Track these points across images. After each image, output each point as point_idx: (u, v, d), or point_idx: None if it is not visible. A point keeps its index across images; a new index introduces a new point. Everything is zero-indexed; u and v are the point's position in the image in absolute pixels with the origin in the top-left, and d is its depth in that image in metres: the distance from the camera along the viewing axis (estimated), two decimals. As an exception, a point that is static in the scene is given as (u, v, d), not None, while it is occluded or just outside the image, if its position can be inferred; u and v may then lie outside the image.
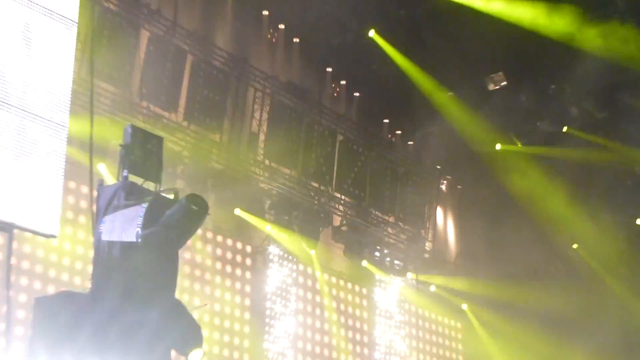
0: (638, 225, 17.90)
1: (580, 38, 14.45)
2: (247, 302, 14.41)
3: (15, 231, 8.68)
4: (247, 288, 14.48)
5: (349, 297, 16.21)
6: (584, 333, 16.00)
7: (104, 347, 7.77)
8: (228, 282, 14.16)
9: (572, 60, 14.88)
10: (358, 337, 16.11)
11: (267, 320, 14.56)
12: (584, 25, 14.48)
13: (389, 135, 17.26)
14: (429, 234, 17.91)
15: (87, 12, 9.64)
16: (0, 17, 8.40)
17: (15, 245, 9.86)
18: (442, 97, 16.19)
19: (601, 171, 17.04)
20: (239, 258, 14.48)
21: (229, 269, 14.25)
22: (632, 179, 17.57)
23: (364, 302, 16.45)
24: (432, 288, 17.36)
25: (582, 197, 16.81)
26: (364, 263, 16.32)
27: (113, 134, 10.01)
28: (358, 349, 15.99)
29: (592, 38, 14.47)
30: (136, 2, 12.92)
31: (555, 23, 14.33)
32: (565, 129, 16.98)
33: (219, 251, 14.12)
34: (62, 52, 8.95)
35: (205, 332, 9.65)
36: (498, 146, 17.25)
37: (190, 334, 8.78)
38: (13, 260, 10.29)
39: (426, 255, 17.56)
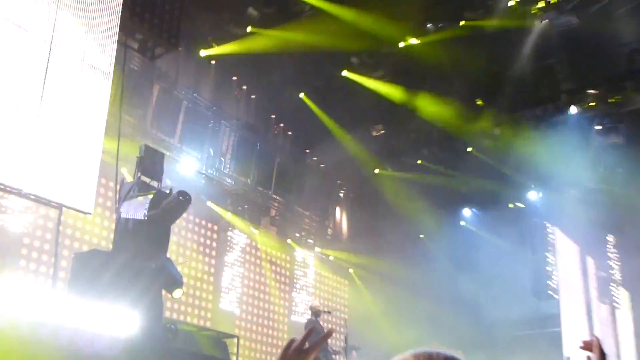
0: (461, 225, 18.24)
1: (416, 105, 14.99)
2: (213, 262, 14.47)
3: (63, 208, 8.69)
4: (213, 253, 14.53)
5: (278, 261, 16.32)
6: (424, 292, 16.14)
7: (119, 286, 7.81)
8: (201, 249, 14.21)
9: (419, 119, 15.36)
10: (283, 286, 16.27)
11: (224, 273, 14.65)
12: (415, 97, 15.00)
13: (309, 160, 17.32)
14: (330, 223, 18.09)
15: (119, 70, 9.69)
16: (63, 69, 8.44)
17: (62, 217, 9.77)
18: (344, 137, 16.35)
19: (440, 189, 17.30)
20: (209, 233, 14.52)
21: (202, 240, 14.30)
22: (458, 195, 17.99)
23: (288, 265, 16.59)
24: (331, 258, 17.52)
25: (428, 205, 17.06)
26: (289, 241, 16.49)
27: (132, 150, 10.04)
28: (282, 294, 16.13)
29: (423, 105, 14.99)
30: (152, 66, 12.90)
31: (397, 94, 14.85)
32: (419, 161, 17.35)
33: (196, 228, 14.15)
34: (101, 94, 8.99)
35: (184, 280, 9.69)
36: (376, 171, 17.53)
37: (175, 279, 8.88)
38: (61, 228, 10.19)
39: (327, 237, 17.72)
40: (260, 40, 13.42)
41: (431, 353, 1.21)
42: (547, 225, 18.57)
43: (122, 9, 9.37)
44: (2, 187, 7.93)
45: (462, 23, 13.60)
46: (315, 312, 11.20)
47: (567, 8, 12.33)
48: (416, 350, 1.23)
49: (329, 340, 11.12)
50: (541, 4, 12.44)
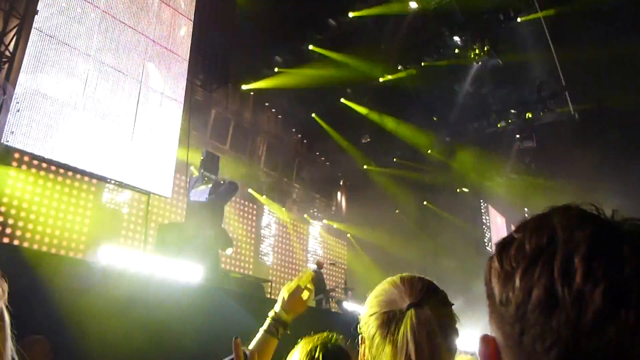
0: (424, 204, 18.18)
1: (391, 120, 14.86)
2: (253, 230, 14.52)
3: (151, 194, 8.77)
4: (253, 224, 14.58)
5: (298, 229, 16.31)
6: (400, 250, 15.99)
7: (189, 247, 7.84)
8: (245, 221, 14.28)
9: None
10: (301, 246, 16.21)
11: (261, 240, 14.71)
12: (389, 116, 14.89)
13: (319, 160, 17.31)
14: (334, 203, 18.09)
15: (187, 99, 9.77)
16: (149, 100, 8.52)
17: (150, 201, 9.88)
18: (343, 143, 16.37)
19: (409, 178, 17.26)
20: (250, 210, 14.54)
21: (246, 215, 14.37)
22: (422, 183, 17.91)
23: (304, 232, 16.59)
24: (334, 226, 17.49)
25: (401, 190, 17.04)
26: (305, 215, 16.49)
27: (197, 154, 10.12)
28: (301, 251, 16.12)
29: (395, 121, 14.93)
30: (210, 97, 13.00)
31: (377, 115, 14.93)
32: (395, 159, 17.33)
33: (241, 207, 14.21)
34: (176, 117, 9.07)
35: (233, 242, 9.76)
36: (365, 166, 17.51)
37: (227, 241, 8.95)
38: (149, 208, 10.29)
39: (332, 212, 17.71)
40: (284, 77, 13.49)
41: (414, 276, 1.11)
42: (482, 203, 18.62)
43: (190, 58, 9.46)
44: (111, 180, 8.08)
45: (423, 64, 13.58)
46: (319, 265, 11.19)
47: (494, 54, 12.28)
48: (403, 274, 1.13)
49: (330, 284, 11.13)
50: (477, 51, 12.38)
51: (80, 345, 4.68)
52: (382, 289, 1.10)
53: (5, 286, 0.79)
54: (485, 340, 0.55)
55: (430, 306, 1.01)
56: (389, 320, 1.00)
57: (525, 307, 0.49)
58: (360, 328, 1.09)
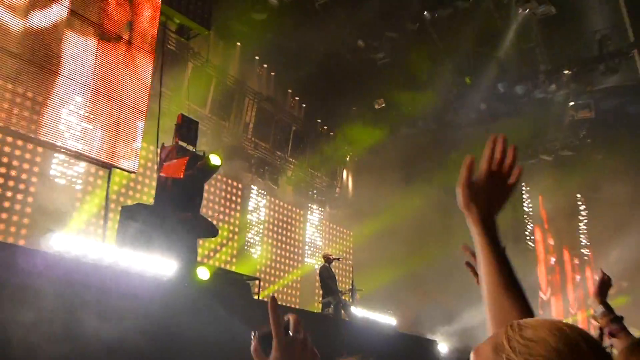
0: (447, 187, 18.05)
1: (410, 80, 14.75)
2: (238, 214, 14.58)
3: (112, 169, 8.75)
4: (238, 207, 14.63)
5: (294, 215, 16.38)
6: (420, 248, 16.00)
7: (161, 234, 7.84)
8: (228, 203, 14.33)
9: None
10: (297, 236, 16.28)
11: (248, 223, 14.75)
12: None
13: (320, 129, 17.23)
14: (338, 183, 18.02)
15: (159, 49, 9.68)
16: (112, 50, 8.45)
17: (112, 176, 9.83)
18: (354, 110, 16.24)
19: (430, 154, 17.15)
20: (234, 190, 14.59)
21: (229, 196, 14.41)
22: (445, 162, 17.77)
23: (301, 218, 16.64)
24: (337, 212, 17.48)
25: (420, 166, 16.90)
26: (302, 198, 16.50)
27: (171, 119, 10.01)
28: (297, 242, 16.17)
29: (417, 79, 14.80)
30: (186, 47, 12.85)
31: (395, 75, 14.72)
32: (416, 130, 17.12)
33: (224, 186, 14.23)
34: (143, 71, 9.01)
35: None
36: (378, 138, 17.34)
37: (209, 228, 8.93)
38: (110, 184, 10.25)
39: (336, 195, 17.70)
40: (279, 25, 13.30)
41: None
42: (524, 186, 18.66)
43: (162, -3, 9.35)
44: (64, 150, 8.03)
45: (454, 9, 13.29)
46: (327, 260, 11.12)
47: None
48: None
49: (339, 283, 11.12)
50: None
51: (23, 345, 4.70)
52: None
53: None
54: None
55: None
56: None
57: None
58: None
